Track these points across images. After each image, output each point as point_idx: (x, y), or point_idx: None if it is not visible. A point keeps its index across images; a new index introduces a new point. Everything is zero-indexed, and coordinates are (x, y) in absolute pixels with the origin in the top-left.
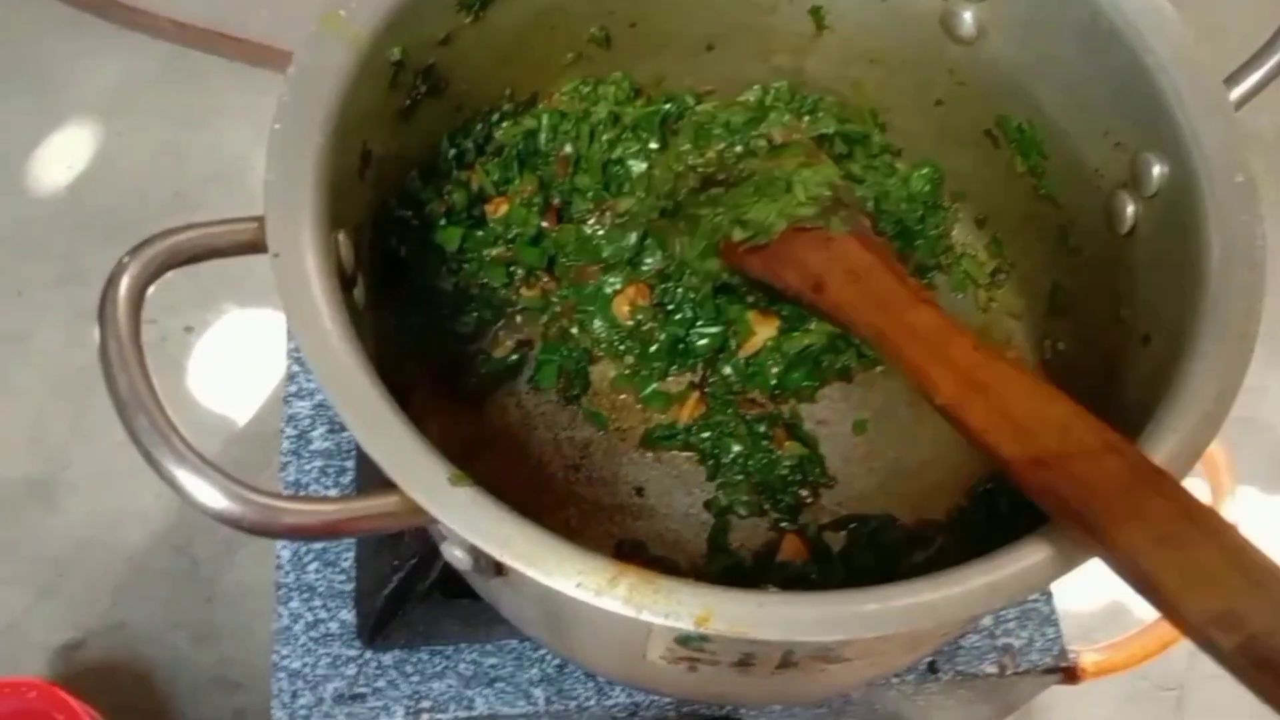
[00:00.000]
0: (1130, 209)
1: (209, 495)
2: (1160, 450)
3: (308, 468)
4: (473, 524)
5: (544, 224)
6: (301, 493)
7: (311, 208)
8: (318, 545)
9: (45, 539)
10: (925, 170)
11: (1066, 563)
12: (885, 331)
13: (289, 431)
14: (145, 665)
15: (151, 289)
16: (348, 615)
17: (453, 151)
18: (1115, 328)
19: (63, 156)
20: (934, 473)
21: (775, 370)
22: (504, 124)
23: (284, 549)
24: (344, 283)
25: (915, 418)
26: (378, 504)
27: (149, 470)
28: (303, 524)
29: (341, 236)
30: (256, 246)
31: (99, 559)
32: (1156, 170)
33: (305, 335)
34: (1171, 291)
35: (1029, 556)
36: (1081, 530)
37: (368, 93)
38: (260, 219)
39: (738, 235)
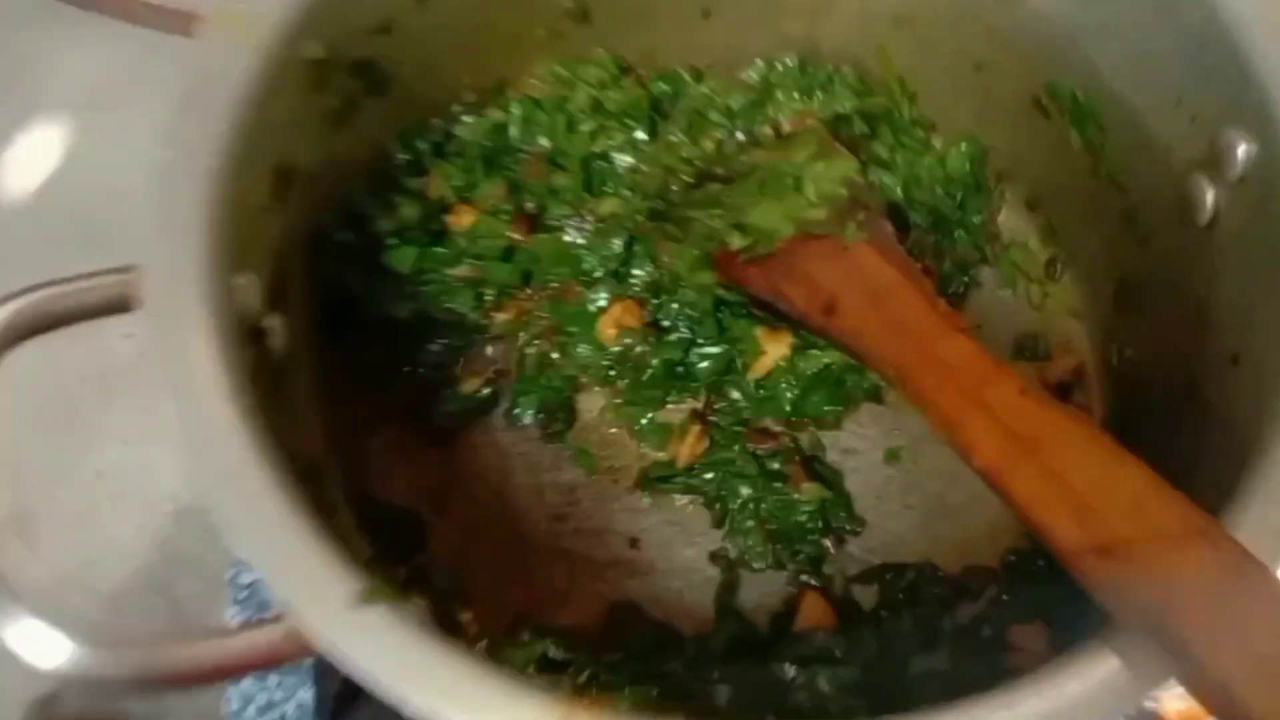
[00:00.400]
0: (1210, 195)
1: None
2: (1257, 529)
3: None
4: (377, 660)
5: (515, 236)
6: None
7: (200, 251)
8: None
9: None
10: (964, 146)
11: (1140, 684)
12: (910, 367)
13: None
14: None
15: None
16: (306, 695)
17: (404, 156)
18: (1195, 338)
19: (33, 156)
20: (984, 509)
21: (791, 394)
22: (466, 119)
23: (233, 615)
24: (250, 335)
25: None
26: (257, 638)
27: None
28: (155, 675)
29: (244, 280)
30: (126, 304)
31: (74, 600)
32: (1242, 150)
33: (180, 409)
34: (1265, 300)
35: (1090, 674)
36: (1158, 642)
37: (281, 101)
38: (134, 269)
39: (736, 242)
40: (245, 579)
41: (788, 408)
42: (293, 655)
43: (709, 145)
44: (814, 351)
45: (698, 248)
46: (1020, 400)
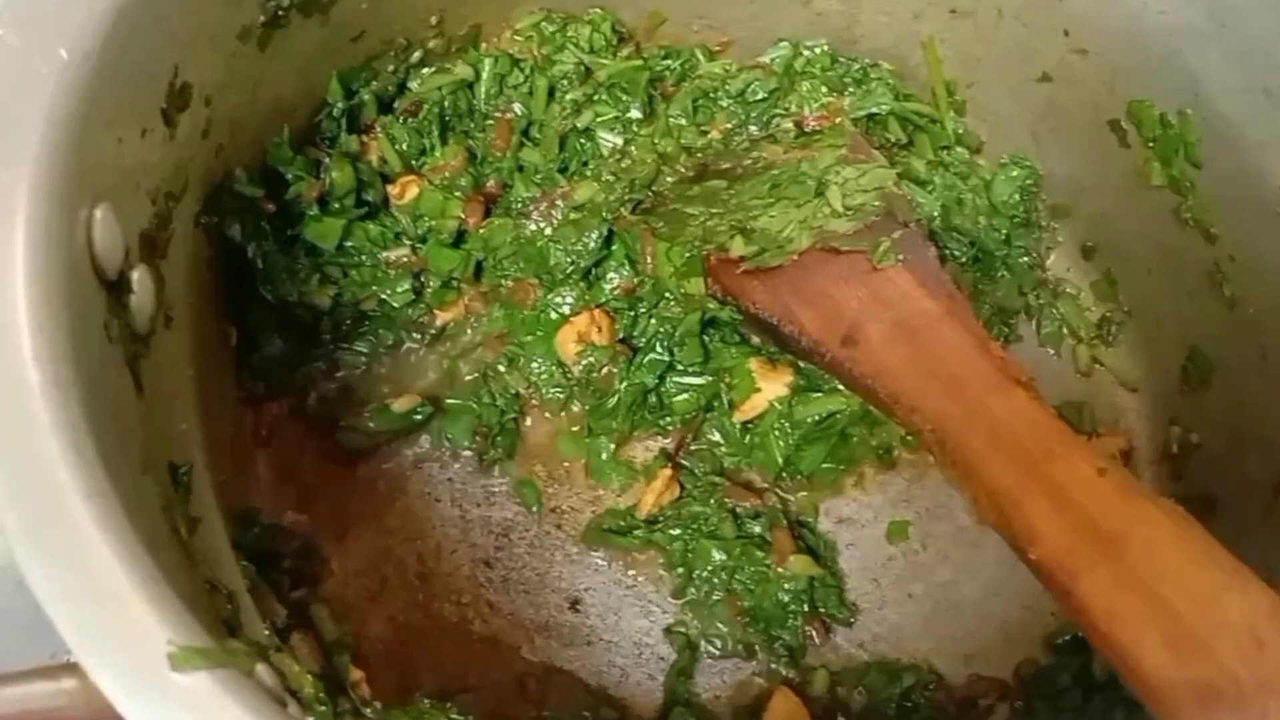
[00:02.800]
0: None
1: None
2: None
3: None
4: None
5: (466, 217)
6: None
7: (40, 163)
8: None
9: None
10: (1016, 172)
11: None
12: (951, 422)
13: None
14: None
15: None
16: None
17: (341, 105)
18: None
19: None
20: (1001, 608)
21: (784, 444)
22: (425, 69)
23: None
24: (103, 286)
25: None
26: (35, 691)
27: None
28: None
29: (100, 212)
30: None
31: None
32: None
33: None
34: None
35: None
36: None
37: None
38: None
39: (738, 249)
40: None
41: (779, 460)
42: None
43: (715, 134)
44: (817, 395)
45: (689, 249)
46: (1099, 483)
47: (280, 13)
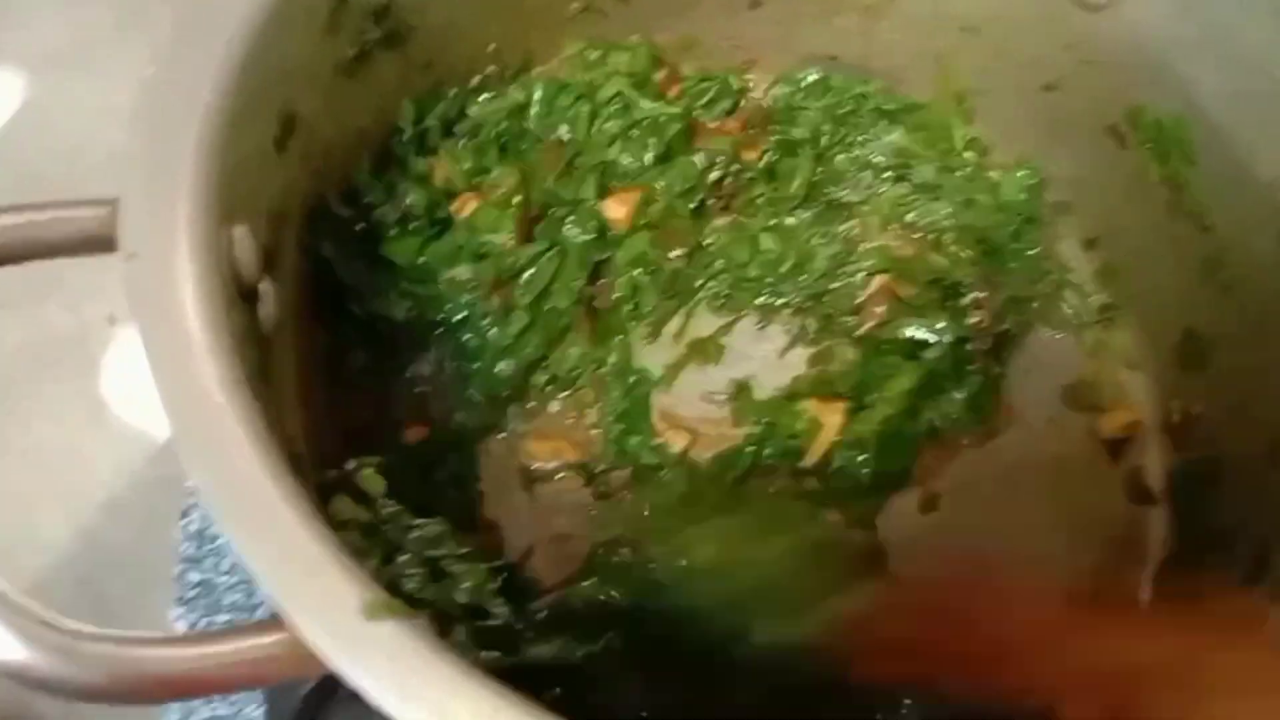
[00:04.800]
0: None
1: None
2: None
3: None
4: (396, 684)
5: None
6: (201, 618)
7: (194, 190)
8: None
9: None
10: (1022, 174)
11: None
12: None
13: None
14: None
15: None
16: (255, 713)
17: (413, 129)
18: None
19: None
20: None
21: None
22: (483, 97)
23: (176, 617)
24: (241, 297)
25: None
26: (250, 646)
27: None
28: (123, 681)
29: (239, 232)
30: (106, 242)
31: None
32: None
33: (164, 375)
34: None
35: None
36: None
37: (295, 35)
38: (114, 202)
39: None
40: (194, 577)
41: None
42: (289, 670)
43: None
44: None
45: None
46: None
47: (369, 47)
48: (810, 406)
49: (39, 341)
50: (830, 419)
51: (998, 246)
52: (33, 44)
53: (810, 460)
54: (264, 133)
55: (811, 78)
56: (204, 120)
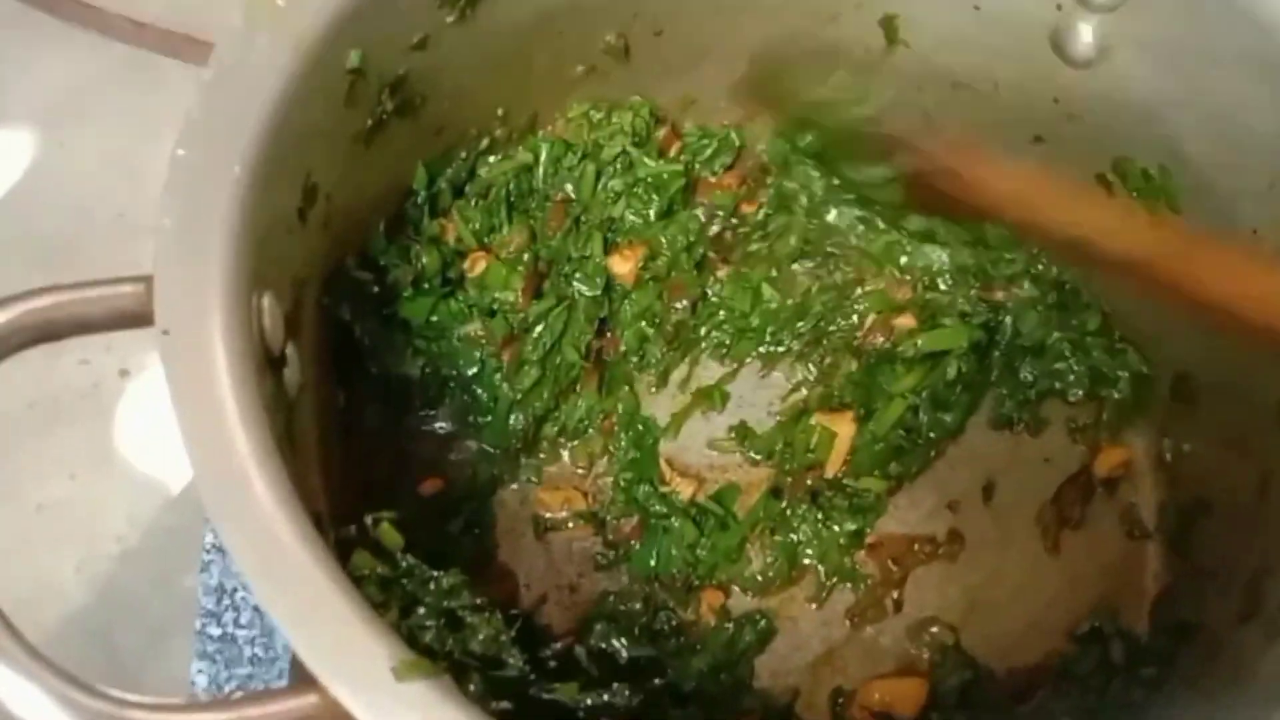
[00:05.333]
0: None
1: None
2: None
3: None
4: None
5: (517, 297)
6: (222, 672)
7: (223, 264)
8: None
9: None
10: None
11: None
12: None
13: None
14: None
15: None
16: None
17: (425, 193)
18: (1271, 436)
19: None
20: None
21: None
22: (492, 158)
23: (197, 671)
24: (268, 364)
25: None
26: (284, 710)
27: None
28: None
29: (267, 300)
30: (141, 318)
31: None
32: None
33: (197, 447)
34: None
35: None
36: None
37: (316, 109)
38: (147, 279)
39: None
40: (214, 631)
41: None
42: None
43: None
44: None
45: None
46: None
47: (384, 116)
48: (819, 420)
49: (53, 395)
50: (842, 428)
51: (992, 280)
52: (35, 94)
53: (832, 471)
54: (288, 204)
55: (809, 137)
56: (232, 196)
